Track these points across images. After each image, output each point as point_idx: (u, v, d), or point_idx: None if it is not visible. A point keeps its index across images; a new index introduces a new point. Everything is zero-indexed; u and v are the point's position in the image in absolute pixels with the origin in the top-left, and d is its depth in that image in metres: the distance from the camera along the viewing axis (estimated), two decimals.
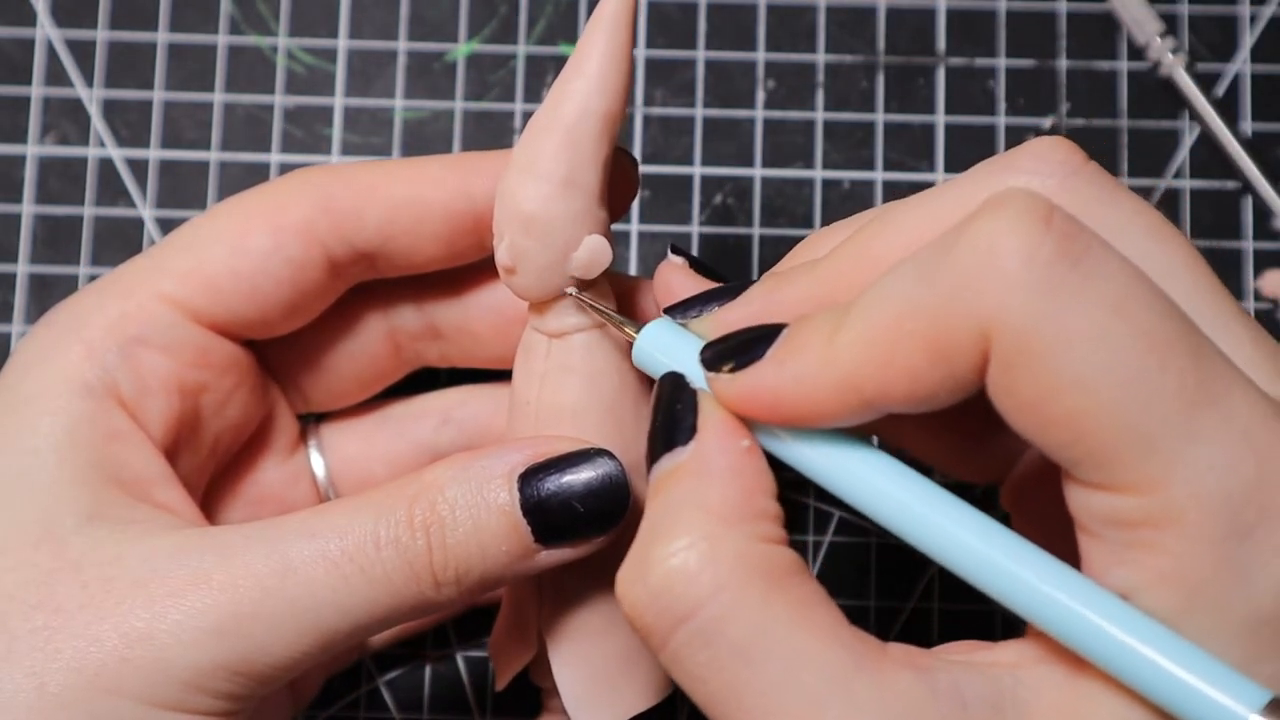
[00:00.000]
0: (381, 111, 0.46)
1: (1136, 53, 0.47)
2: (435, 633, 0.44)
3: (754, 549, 0.26)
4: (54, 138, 0.46)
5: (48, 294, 0.45)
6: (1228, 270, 0.45)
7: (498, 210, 0.33)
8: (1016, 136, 0.46)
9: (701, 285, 0.32)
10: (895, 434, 0.33)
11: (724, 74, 0.46)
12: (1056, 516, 0.27)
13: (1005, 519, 0.28)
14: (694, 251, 0.45)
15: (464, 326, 0.39)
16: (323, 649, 0.31)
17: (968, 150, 0.46)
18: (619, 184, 0.34)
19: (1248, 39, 0.47)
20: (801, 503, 0.44)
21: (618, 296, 0.34)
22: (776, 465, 0.28)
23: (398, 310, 0.39)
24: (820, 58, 0.47)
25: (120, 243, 0.46)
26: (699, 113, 0.46)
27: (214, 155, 0.46)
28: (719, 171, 0.46)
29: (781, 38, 0.47)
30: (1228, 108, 0.46)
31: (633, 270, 0.46)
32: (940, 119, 0.46)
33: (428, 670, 0.44)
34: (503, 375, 0.38)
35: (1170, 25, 0.46)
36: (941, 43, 0.47)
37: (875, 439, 0.37)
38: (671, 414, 0.28)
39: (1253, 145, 0.46)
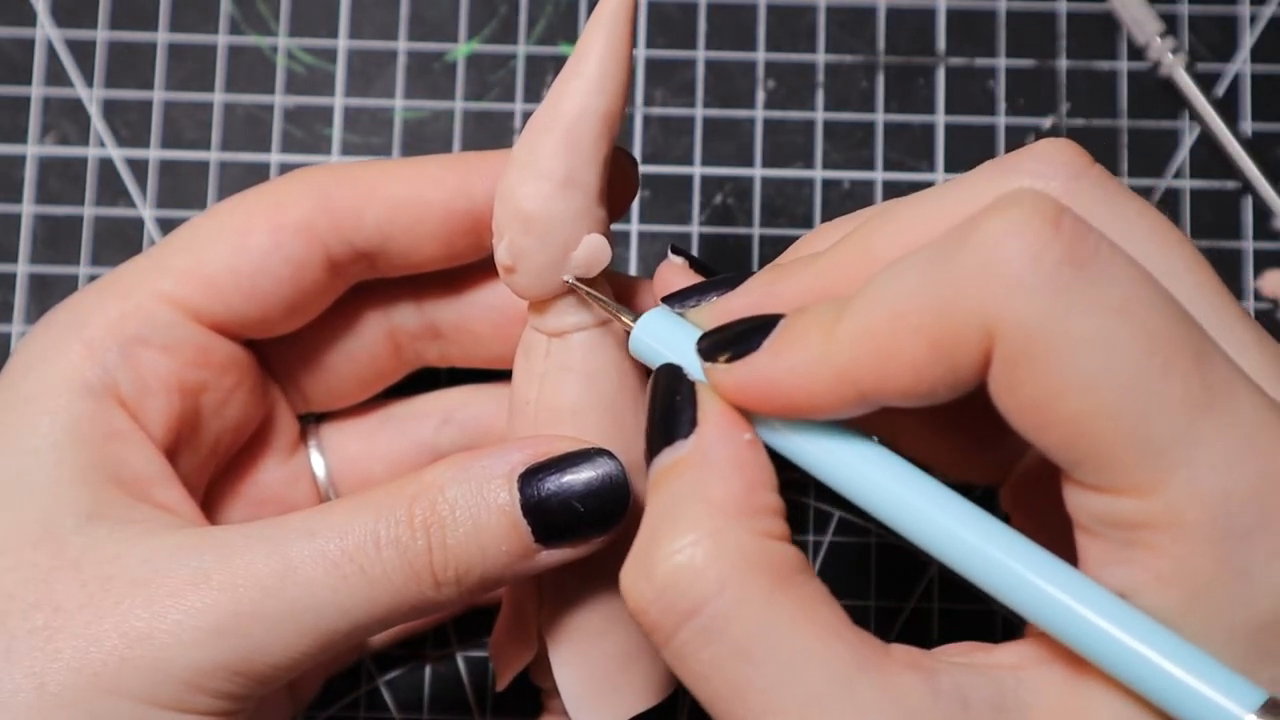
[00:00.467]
0: (381, 111, 0.46)
1: (1136, 53, 0.47)
2: (435, 633, 0.44)
3: (758, 545, 0.26)
4: (54, 138, 0.46)
5: (48, 294, 0.45)
6: (1228, 270, 0.45)
7: (497, 209, 0.33)
8: (1016, 136, 0.46)
9: None
10: (896, 433, 0.33)
11: (724, 74, 0.46)
12: (1056, 517, 0.27)
13: (1005, 519, 0.28)
14: (694, 251, 0.45)
15: (464, 326, 0.39)
16: (322, 649, 0.31)
17: (968, 150, 0.46)
18: (618, 184, 0.34)
19: (1248, 39, 0.47)
20: (801, 502, 0.44)
21: (617, 296, 0.34)
22: (778, 462, 0.28)
23: (398, 310, 0.39)
24: (820, 58, 0.47)
25: (120, 243, 0.45)
26: (699, 113, 0.46)
27: (214, 155, 0.46)
28: (719, 171, 0.46)
29: (781, 38, 0.47)
30: (1228, 108, 0.46)
31: (633, 270, 0.46)
32: (940, 119, 0.46)
33: (428, 670, 0.44)
34: (503, 375, 0.38)
35: (1170, 25, 0.46)
36: (941, 43, 0.47)
37: (876, 438, 0.37)
38: (670, 406, 0.28)
39: (1253, 145, 0.46)
